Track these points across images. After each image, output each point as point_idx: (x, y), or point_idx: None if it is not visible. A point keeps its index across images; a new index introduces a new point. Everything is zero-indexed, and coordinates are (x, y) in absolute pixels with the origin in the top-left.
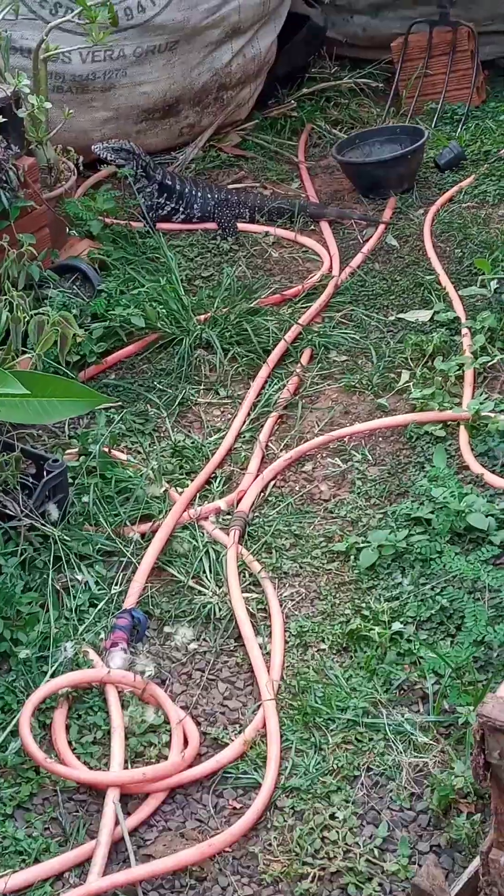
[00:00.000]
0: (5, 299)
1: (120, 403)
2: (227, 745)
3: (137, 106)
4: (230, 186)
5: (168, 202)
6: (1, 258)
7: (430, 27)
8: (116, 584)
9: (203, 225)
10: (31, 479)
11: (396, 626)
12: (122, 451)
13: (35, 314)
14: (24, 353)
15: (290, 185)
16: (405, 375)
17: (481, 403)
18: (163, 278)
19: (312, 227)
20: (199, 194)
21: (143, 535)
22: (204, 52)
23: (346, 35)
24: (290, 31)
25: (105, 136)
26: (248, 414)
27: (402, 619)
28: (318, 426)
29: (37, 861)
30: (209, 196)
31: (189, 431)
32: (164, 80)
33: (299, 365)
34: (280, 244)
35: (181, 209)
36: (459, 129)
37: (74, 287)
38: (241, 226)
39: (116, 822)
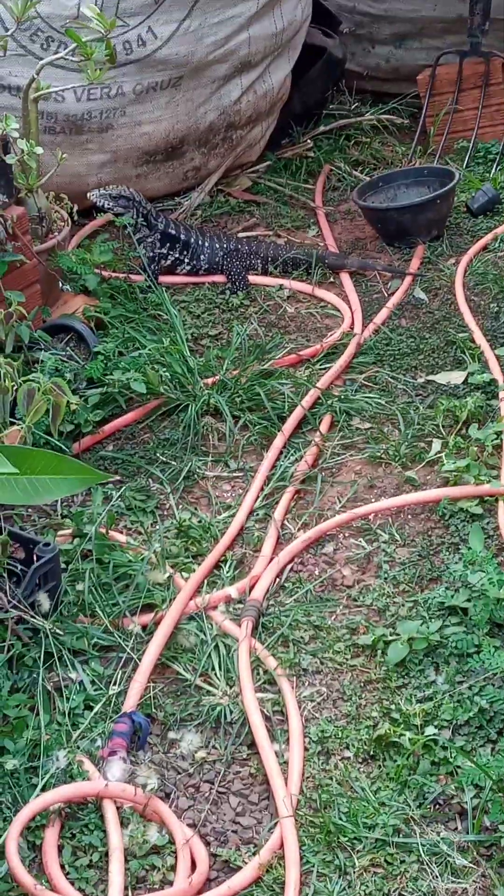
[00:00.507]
0: None
1: (119, 478)
2: (239, 868)
3: (137, 148)
4: (240, 235)
5: (172, 253)
6: None
7: (461, 58)
8: (115, 684)
9: (211, 278)
10: (19, 566)
11: (430, 731)
12: (122, 532)
13: (25, 381)
14: (12, 424)
15: (306, 232)
16: (437, 445)
17: None
18: (166, 338)
19: (332, 279)
20: (206, 244)
21: (144, 628)
22: (211, 89)
23: (367, 67)
24: (306, 63)
25: (102, 181)
26: (262, 489)
27: (436, 724)
28: (340, 502)
29: None
30: (217, 246)
31: (196, 509)
32: (166, 119)
33: (318, 433)
34: (296, 298)
35: (186, 260)
36: (494, 170)
37: (68, 349)
38: (252, 278)
39: None
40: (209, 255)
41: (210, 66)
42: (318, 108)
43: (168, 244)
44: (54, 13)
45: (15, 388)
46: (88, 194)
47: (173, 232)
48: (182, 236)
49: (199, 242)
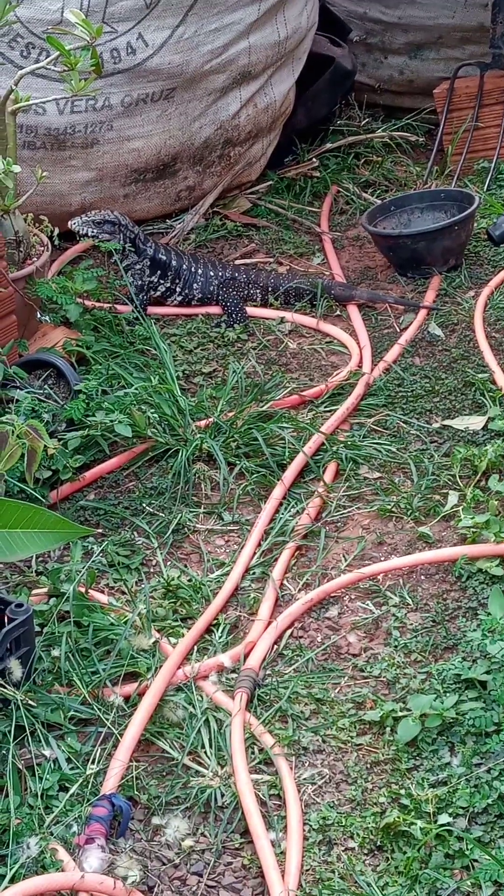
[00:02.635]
0: None
1: (100, 531)
2: None
3: (126, 165)
4: (238, 262)
5: (162, 281)
6: None
7: (482, 71)
8: (93, 762)
9: (204, 308)
10: None
11: (444, 819)
12: (103, 592)
13: None
14: None
15: (310, 260)
16: (453, 497)
17: None
18: (155, 375)
19: (338, 312)
20: (200, 271)
21: (127, 699)
22: (207, 102)
23: (379, 79)
24: (312, 75)
25: (86, 201)
26: (259, 544)
27: (450, 811)
28: (346, 560)
29: None
30: (212, 273)
31: (185, 566)
32: (158, 134)
33: (322, 483)
34: (298, 333)
35: (178, 289)
36: None
37: (46, 386)
38: (250, 310)
39: None
40: (203, 283)
41: (206, 76)
42: (325, 123)
43: (158, 272)
44: (35, 17)
45: None
46: (69, 223)
47: (164, 258)
48: (173, 263)
49: (192, 270)
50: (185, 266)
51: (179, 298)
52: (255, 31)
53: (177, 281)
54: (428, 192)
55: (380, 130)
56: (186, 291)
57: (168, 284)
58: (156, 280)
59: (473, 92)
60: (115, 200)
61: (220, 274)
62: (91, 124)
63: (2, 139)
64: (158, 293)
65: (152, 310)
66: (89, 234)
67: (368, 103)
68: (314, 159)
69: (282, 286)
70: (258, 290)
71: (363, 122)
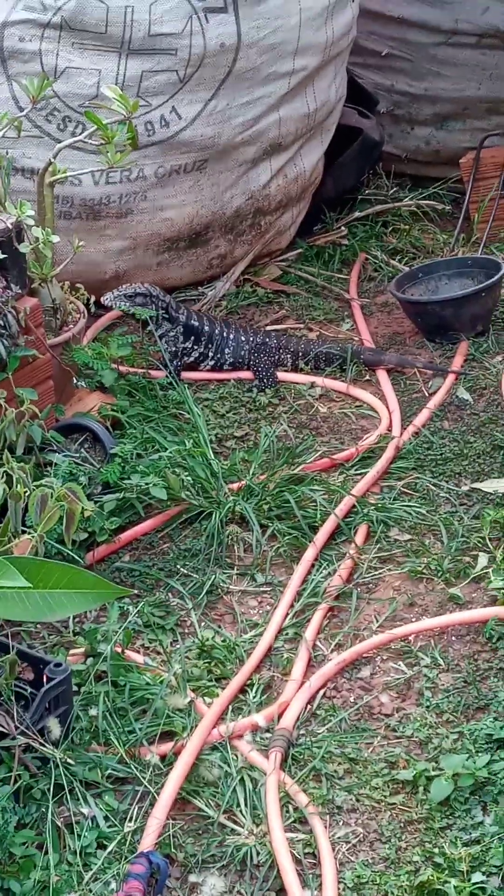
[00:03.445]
0: (2, 469)
1: (136, 592)
2: None
3: (159, 234)
4: (269, 328)
5: (196, 347)
6: None
7: None
8: (130, 821)
9: (236, 374)
10: (28, 688)
11: (477, 877)
12: (139, 652)
13: (37, 486)
14: (23, 532)
15: (340, 326)
16: (483, 559)
17: None
18: (188, 439)
19: (368, 377)
20: (232, 336)
21: (163, 758)
22: (238, 172)
23: (406, 150)
24: (341, 145)
25: (120, 269)
26: (292, 605)
27: (484, 870)
28: (378, 621)
29: None
30: (243, 339)
31: (219, 627)
32: (190, 204)
33: (353, 545)
34: (329, 397)
35: (210, 354)
36: None
37: (83, 450)
38: (281, 375)
39: None
40: (234, 348)
41: (237, 148)
42: (353, 192)
43: (192, 338)
44: (72, 92)
45: (27, 494)
46: (102, 299)
47: (196, 324)
48: (206, 328)
49: (224, 335)
50: (216, 332)
51: (212, 363)
52: (285, 103)
53: (209, 346)
54: (455, 260)
55: (407, 199)
56: (218, 356)
57: (201, 350)
58: (189, 346)
59: (499, 161)
60: (148, 269)
61: (251, 339)
62: (125, 195)
63: (40, 210)
64: (191, 358)
65: (185, 375)
66: (123, 307)
67: (396, 173)
68: (343, 227)
69: (312, 351)
70: (288, 355)
71: (391, 192)
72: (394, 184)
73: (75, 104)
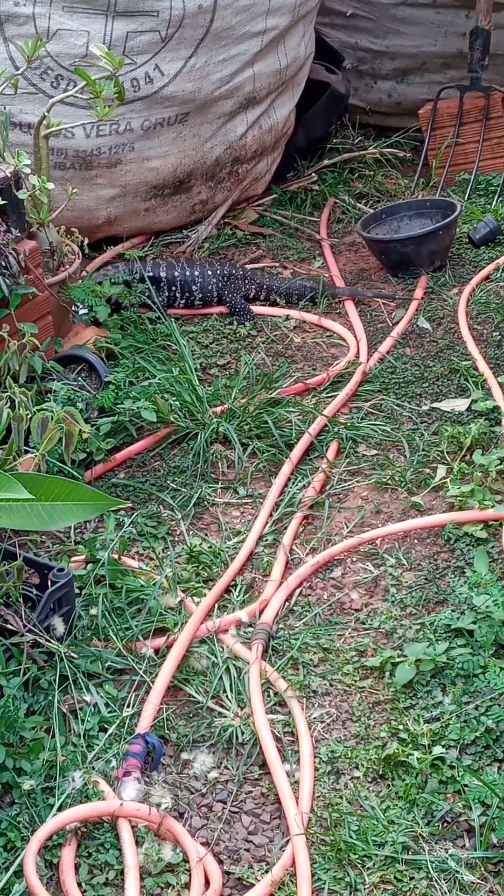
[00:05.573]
0: (6, 395)
1: (130, 505)
2: (252, 885)
3: (146, 182)
4: (247, 266)
5: (162, 292)
6: (1, 349)
7: (461, 93)
8: (128, 706)
9: (218, 309)
10: (34, 591)
11: (438, 750)
12: (134, 558)
13: (38, 410)
14: (26, 452)
15: (311, 264)
16: (441, 471)
17: None
18: (175, 368)
19: (338, 309)
20: (198, 273)
21: (156, 651)
22: (217, 124)
23: (369, 102)
24: (310, 99)
25: (111, 215)
26: (271, 515)
27: (443, 743)
28: (347, 527)
29: None
30: (209, 273)
31: (206, 535)
32: (174, 154)
33: (325, 460)
34: (302, 328)
35: (178, 295)
36: (495, 202)
37: (80, 379)
38: (258, 309)
39: None
40: (201, 284)
41: (216, 102)
42: (323, 142)
43: (155, 286)
44: (63, 52)
45: (29, 416)
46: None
47: (152, 274)
48: (163, 274)
49: (188, 274)
50: (177, 274)
51: (183, 302)
52: (258, 60)
53: (173, 288)
54: (415, 202)
55: (371, 148)
56: (187, 295)
57: (167, 293)
58: (157, 291)
59: (454, 112)
60: (136, 214)
61: (217, 272)
62: (114, 146)
63: (36, 160)
64: (165, 301)
65: (172, 310)
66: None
67: (361, 123)
68: (313, 174)
69: (275, 286)
70: (254, 287)
71: (356, 141)
72: (359, 134)
73: (66, 63)
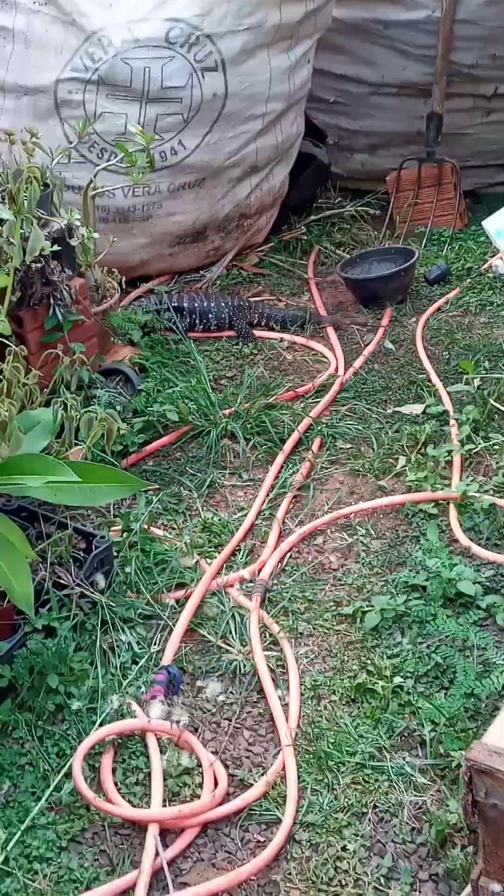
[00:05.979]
0: (60, 400)
1: (157, 487)
2: (251, 785)
3: (170, 232)
4: (252, 298)
5: (185, 318)
6: (57, 364)
7: (420, 163)
8: (155, 644)
9: (226, 333)
10: (81, 553)
11: (397, 680)
12: (160, 528)
13: (85, 412)
14: (76, 444)
15: (300, 297)
16: (402, 461)
17: (468, 485)
18: (193, 379)
19: (322, 334)
20: (213, 304)
21: (177, 601)
22: (227, 187)
23: (347, 170)
24: (300, 167)
25: (143, 258)
26: (267, 494)
27: (402, 674)
28: (328, 505)
29: (88, 888)
30: (223, 304)
31: (217, 510)
32: (193, 210)
33: (310, 452)
34: (293, 348)
35: (197, 322)
36: (445, 250)
37: (118, 387)
38: (258, 333)
39: (157, 854)
40: (216, 313)
41: (226, 169)
42: (310, 202)
43: (179, 314)
44: (106, 130)
45: (78, 417)
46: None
47: (176, 304)
48: (185, 305)
49: (205, 305)
50: (196, 305)
51: (201, 327)
52: (260, 137)
53: (193, 316)
54: (382, 249)
55: (348, 206)
56: (205, 322)
57: (189, 320)
58: (180, 319)
59: (414, 178)
60: (163, 258)
61: (230, 304)
62: (146, 204)
63: (84, 215)
64: (186, 326)
65: (191, 334)
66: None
67: (340, 187)
68: (302, 227)
69: (273, 314)
70: (257, 315)
71: (337, 201)
72: (339, 195)
73: (109, 139)
